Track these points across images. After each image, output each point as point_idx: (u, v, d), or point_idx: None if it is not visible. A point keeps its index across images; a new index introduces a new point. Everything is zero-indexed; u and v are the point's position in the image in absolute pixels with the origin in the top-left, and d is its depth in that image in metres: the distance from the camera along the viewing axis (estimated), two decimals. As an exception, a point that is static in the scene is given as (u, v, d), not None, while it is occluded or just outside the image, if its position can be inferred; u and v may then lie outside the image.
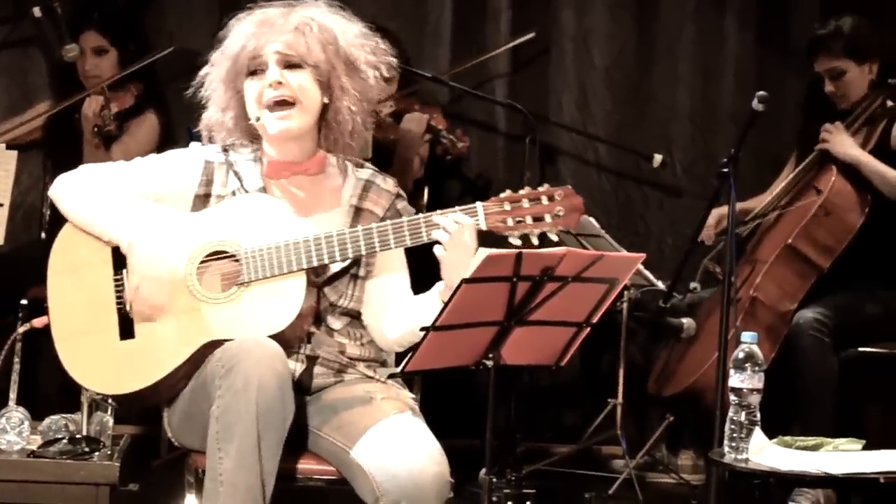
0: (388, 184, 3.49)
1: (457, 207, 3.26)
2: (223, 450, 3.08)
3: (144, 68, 5.26)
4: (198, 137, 3.62)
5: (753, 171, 5.61)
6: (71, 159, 5.05)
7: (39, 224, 5.51)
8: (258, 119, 3.37)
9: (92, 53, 5.27)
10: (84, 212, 3.37)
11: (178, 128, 5.34)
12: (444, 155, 5.28)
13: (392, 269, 3.46)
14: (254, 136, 3.46)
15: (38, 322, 3.47)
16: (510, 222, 3.25)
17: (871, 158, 4.88)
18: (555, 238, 3.31)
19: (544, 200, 3.26)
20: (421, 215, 3.26)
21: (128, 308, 3.30)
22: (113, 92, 5.14)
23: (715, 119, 5.86)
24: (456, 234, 3.22)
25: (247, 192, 3.40)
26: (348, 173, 3.48)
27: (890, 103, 4.99)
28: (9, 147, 4.49)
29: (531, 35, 5.63)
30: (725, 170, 4.42)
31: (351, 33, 3.43)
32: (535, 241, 3.29)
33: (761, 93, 4.43)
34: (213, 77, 3.43)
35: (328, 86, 3.38)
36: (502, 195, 3.26)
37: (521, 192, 3.27)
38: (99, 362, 3.29)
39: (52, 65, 5.57)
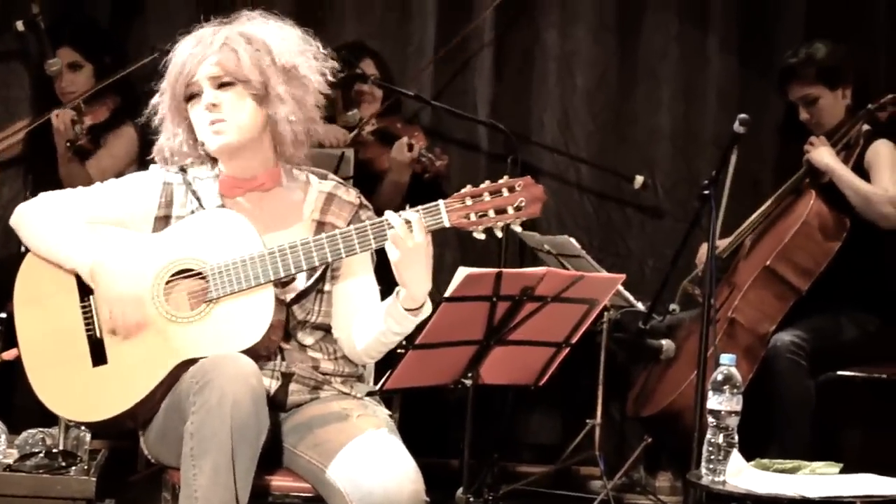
0: (351, 195, 3.47)
1: (419, 207, 3.22)
2: (197, 466, 3.07)
3: (121, 81, 5.24)
4: None
5: (735, 192, 5.61)
6: (51, 173, 5.09)
7: (19, 239, 5.49)
8: (202, 143, 3.37)
9: (67, 69, 5.25)
10: (44, 241, 3.37)
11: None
12: (422, 173, 5.28)
13: (358, 281, 3.43)
14: (209, 157, 3.45)
15: (7, 355, 3.44)
16: (473, 217, 3.20)
17: (847, 170, 4.90)
18: (518, 230, 3.28)
19: (505, 192, 3.22)
20: (384, 218, 3.21)
21: (101, 334, 3.28)
22: (88, 106, 5.13)
23: (696, 141, 5.87)
24: (402, 229, 3.16)
25: (205, 209, 3.39)
26: (311, 186, 3.46)
27: (867, 128, 5.01)
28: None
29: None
30: (707, 192, 4.43)
31: (288, 41, 3.40)
32: (500, 234, 3.26)
33: (743, 115, 4.44)
34: (162, 106, 3.42)
35: (266, 98, 3.36)
36: (463, 191, 3.22)
37: (482, 185, 3.23)
38: (73, 391, 3.27)
39: (34, 79, 5.56)
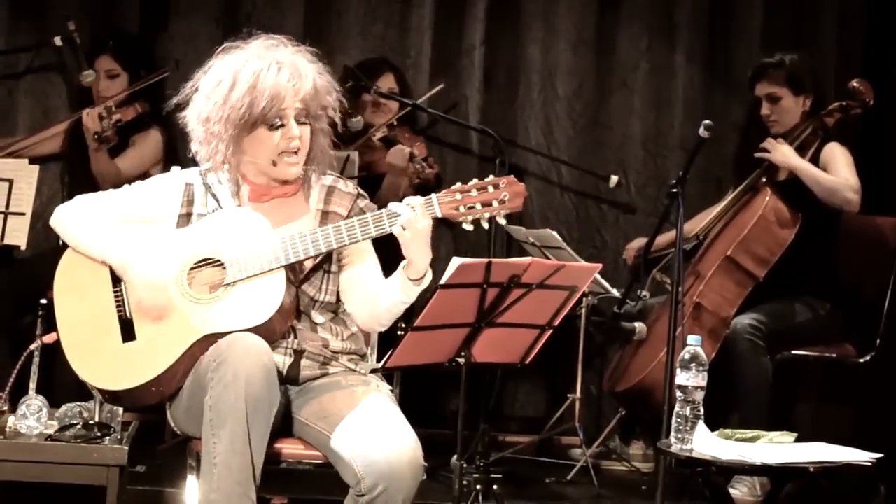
0: (349, 186, 3.49)
1: (413, 198, 3.24)
2: (216, 435, 3.08)
3: (151, 91, 5.25)
4: None
5: (700, 190, 5.63)
6: (85, 173, 5.08)
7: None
8: (274, 164, 3.35)
9: (105, 76, 5.26)
10: (80, 240, 3.39)
11: (184, 145, 5.32)
12: (415, 177, 5.28)
13: (362, 260, 3.44)
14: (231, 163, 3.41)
15: (47, 338, 3.47)
16: (462, 209, 3.23)
17: (810, 165, 4.90)
18: (503, 222, 3.30)
19: (491, 188, 3.24)
20: (383, 209, 3.25)
21: (130, 315, 3.30)
22: (118, 107, 5.14)
23: (665, 145, 5.87)
24: (411, 214, 3.20)
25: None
26: (313, 182, 3.47)
27: (819, 132, 5.02)
28: (31, 162, 4.48)
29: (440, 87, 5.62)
30: (675, 190, 4.44)
31: (324, 77, 3.40)
32: (486, 226, 3.28)
33: (707, 122, 4.44)
34: (224, 115, 3.32)
35: (314, 128, 3.40)
36: (454, 187, 3.25)
37: (471, 182, 3.27)
38: (105, 363, 3.29)
39: (70, 89, 5.55)
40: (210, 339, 3.21)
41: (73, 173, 5.35)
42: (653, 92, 5.87)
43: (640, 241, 5.33)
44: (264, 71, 3.30)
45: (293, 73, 3.31)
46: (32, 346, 3.56)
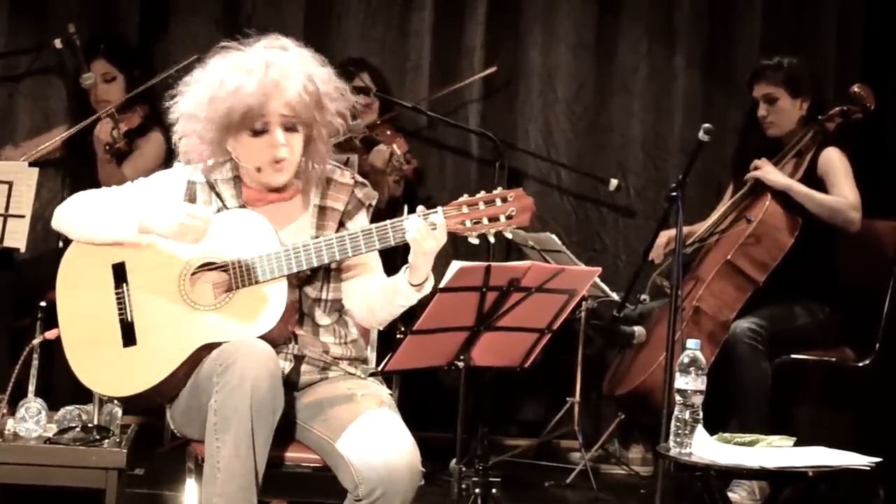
0: (346, 177, 3.43)
1: (422, 210, 3.19)
2: (220, 439, 3.07)
3: (148, 92, 5.25)
4: None
5: (699, 194, 5.63)
6: (86, 175, 5.07)
7: (57, 234, 5.45)
8: (259, 170, 3.30)
9: (101, 80, 5.26)
10: (85, 227, 3.34)
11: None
12: (392, 173, 5.28)
13: (364, 258, 3.38)
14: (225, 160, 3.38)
15: (50, 334, 3.46)
16: (468, 223, 3.16)
17: (800, 185, 4.90)
18: (509, 236, 3.27)
19: (498, 202, 3.18)
20: (388, 221, 3.20)
21: (132, 318, 3.27)
22: (121, 114, 5.14)
23: (665, 148, 5.87)
24: (415, 234, 3.14)
25: (227, 208, 3.36)
26: (312, 176, 3.39)
27: (817, 137, 5.02)
28: (31, 165, 4.48)
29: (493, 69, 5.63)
30: (674, 193, 4.44)
31: (329, 83, 3.32)
32: (492, 240, 3.24)
33: (707, 125, 4.45)
34: (206, 115, 3.27)
35: (310, 138, 3.32)
36: (460, 199, 3.18)
37: (478, 195, 3.20)
38: (106, 368, 3.27)
39: (70, 91, 5.55)
40: (211, 348, 3.19)
41: (74, 176, 5.34)
42: (653, 95, 5.87)
43: (667, 235, 5.04)
44: (251, 74, 3.22)
45: (282, 78, 3.22)
46: (35, 342, 3.54)
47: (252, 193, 3.38)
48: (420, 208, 3.18)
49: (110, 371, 3.26)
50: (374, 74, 5.54)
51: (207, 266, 3.29)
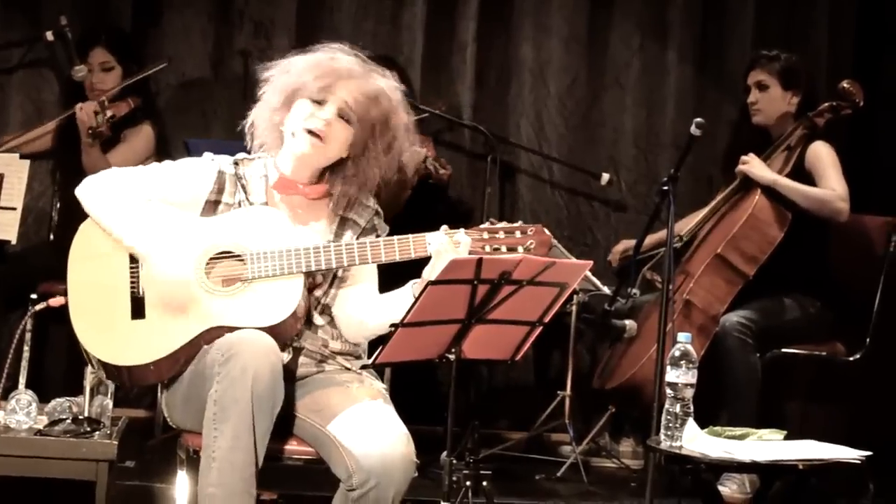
0: (371, 201, 3.50)
1: (446, 229, 3.28)
2: (219, 429, 3.08)
3: (142, 85, 5.25)
4: (194, 148, 3.60)
5: (691, 189, 5.63)
6: (77, 168, 5.06)
7: (48, 227, 5.48)
8: (293, 134, 3.37)
9: (99, 69, 5.24)
10: (104, 216, 3.35)
11: (175, 139, 5.32)
12: (425, 178, 5.26)
13: (365, 271, 3.45)
14: (274, 146, 3.45)
15: (54, 301, 3.46)
16: (487, 249, 3.27)
17: (787, 180, 4.91)
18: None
19: (518, 234, 3.30)
20: (410, 236, 3.27)
21: (143, 293, 3.29)
22: (111, 102, 5.13)
23: (657, 142, 5.87)
24: (449, 244, 3.24)
25: (251, 203, 3.40)
26: (347, 189, 3.45)
27: (806, 132, 5.03)
28: (22, 157, 4.47)
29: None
30: (666, 188, 4.44)
31: (407, 129, 3.44)
32: None
33: (698, 119, 4.45)
34: (278, 82, 3.41)
35: (359, 146, 3.38)
36: (483, 226, 3.30)
37: (499, 224, 3.31)
38: (110, 335, 3.29)
39: (62, 84, 5.53)
40: (218, 331, 3.22)
41: (64, 169, 5.33)
42: (645, 90, 5.87)
43: (625, 244, 5.36)
44: (347, 61, 3.37)
45: (363, 79, 3.36)
46: (38, 307, 3.51)
47: (282, 180, 3.42)
48: (444, 227, 3.28)
49: (113, 338, 3.28)
50: (402, 75, 5.52)
51: (225, 254, 3.31)
